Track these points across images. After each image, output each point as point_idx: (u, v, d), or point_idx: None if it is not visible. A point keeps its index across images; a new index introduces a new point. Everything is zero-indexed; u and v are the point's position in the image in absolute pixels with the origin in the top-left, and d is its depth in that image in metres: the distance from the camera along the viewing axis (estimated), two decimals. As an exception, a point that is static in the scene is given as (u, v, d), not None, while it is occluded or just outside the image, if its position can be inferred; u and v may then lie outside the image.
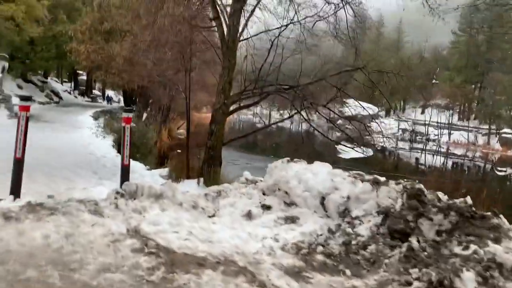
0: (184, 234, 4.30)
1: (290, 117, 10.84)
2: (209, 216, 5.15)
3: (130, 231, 4.22)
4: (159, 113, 24.94)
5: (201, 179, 9.70)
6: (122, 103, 43.12)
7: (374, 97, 40.11)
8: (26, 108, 4.62)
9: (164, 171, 13.75)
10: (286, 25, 9.81)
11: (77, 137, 12.57)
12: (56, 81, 44.97)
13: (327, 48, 12.48)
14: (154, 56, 11.06)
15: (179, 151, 24.60)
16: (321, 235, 4.51)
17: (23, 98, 4.64)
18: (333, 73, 10.37)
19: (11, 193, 4.55)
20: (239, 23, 9.67)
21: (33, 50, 26.69)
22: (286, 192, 5.47)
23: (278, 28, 10.29)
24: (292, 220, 5.04)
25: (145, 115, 25.88)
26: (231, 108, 10.24)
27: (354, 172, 5.38)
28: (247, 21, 10.05)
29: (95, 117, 21.72)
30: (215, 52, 10.80)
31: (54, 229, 3.97)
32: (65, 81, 51.23)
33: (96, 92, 51.66)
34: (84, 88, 46.05)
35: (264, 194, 5.80)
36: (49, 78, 39.62)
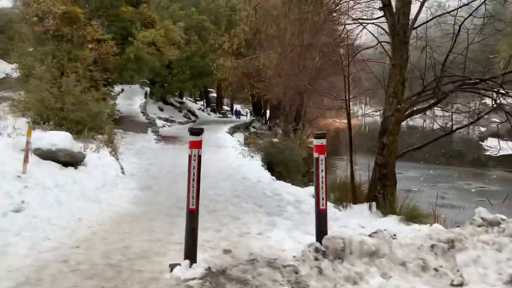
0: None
1: (480, 117, 8.51)
2: (453, 285, 3.47)
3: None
4: (290, 124, 23.89)
5: (373, 204, 8.00)
6: (249, 116, 43.79)
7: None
8: (198, 145, 3.54)
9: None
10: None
11: (223, 158, 11.90)
12: (191, 101, 47.47)
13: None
14: (303, 63, 9.79)
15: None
16: None
17: (195, 132, 3.55)
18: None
19: (186, 257, 3.47)
20: (409, 8, 7.86)
21: (170, 73, 27.96)
22: None
23: (458, 8, 8.14)
24: None
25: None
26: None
27: None
28: (422, 3, 8.15)
29: (231, 133, 21.46)
30: (383, 48, 9.05)
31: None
32: (198, 100, 53.99)
33: (225, 107, 53.38)
34: (215, 104, 47.73)
35: (518, 242, 3.92)
36: (184, 98, 41.87)
